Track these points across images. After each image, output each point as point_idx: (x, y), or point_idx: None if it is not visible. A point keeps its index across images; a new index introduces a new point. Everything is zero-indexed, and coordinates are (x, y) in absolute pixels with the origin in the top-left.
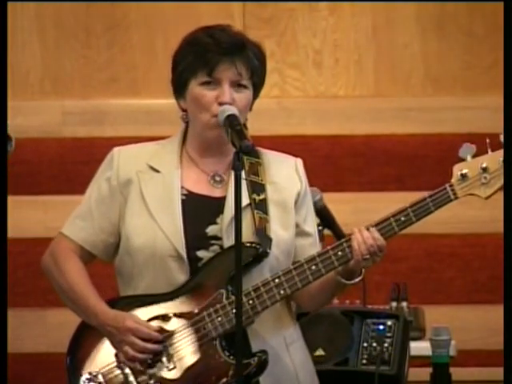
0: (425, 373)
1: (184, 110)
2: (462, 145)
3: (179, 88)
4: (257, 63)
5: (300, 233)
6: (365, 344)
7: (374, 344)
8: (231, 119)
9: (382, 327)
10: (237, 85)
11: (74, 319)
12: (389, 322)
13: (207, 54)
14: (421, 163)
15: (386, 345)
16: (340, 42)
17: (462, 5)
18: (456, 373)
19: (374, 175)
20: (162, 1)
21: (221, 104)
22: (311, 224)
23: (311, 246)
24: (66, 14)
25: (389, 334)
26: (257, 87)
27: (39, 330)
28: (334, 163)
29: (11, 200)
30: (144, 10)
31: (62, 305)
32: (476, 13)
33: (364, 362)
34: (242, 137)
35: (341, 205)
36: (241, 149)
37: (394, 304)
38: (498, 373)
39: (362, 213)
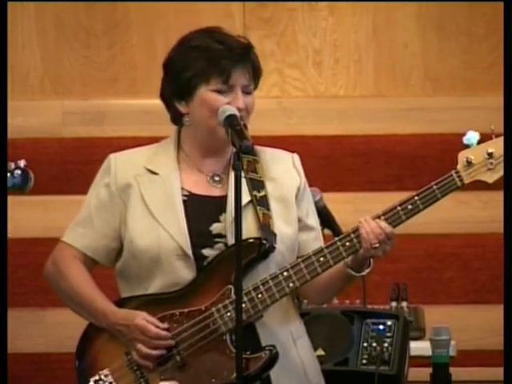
0: (425, 373)
1: (181, 114)
2: (466, 133)
3: (184, 92)
4: (257, 65)
5: (303, 227)
6: (365, 344)
7: (374, 344)
8: (231, 119)
9: (381, 327)
10: (245, 90)
11: (73, 319)
12: (389, 322)
13: (222, 60)
14: (421, 163)
15: (385, 345)
16: (340, 42)
17: (462, 5)
18: (456, 373)
19: (374, 175)
20: (162, 1)
21: None
22: (313, 218)
23: (315, 240)
24: (65, 14)
25: (389, 334)
26: (255, 88)
27: (39, 330)
28: (334, 163)
29: (11, 200)
30: (144, 10)
31: (62, 305)
32: (476, 13)
33: (364, 361)
34: (242, 137)
35: (341, 205)
36: (241, 149)
37: (393, 304)
38: (498, 373)
39: (362, 213)
